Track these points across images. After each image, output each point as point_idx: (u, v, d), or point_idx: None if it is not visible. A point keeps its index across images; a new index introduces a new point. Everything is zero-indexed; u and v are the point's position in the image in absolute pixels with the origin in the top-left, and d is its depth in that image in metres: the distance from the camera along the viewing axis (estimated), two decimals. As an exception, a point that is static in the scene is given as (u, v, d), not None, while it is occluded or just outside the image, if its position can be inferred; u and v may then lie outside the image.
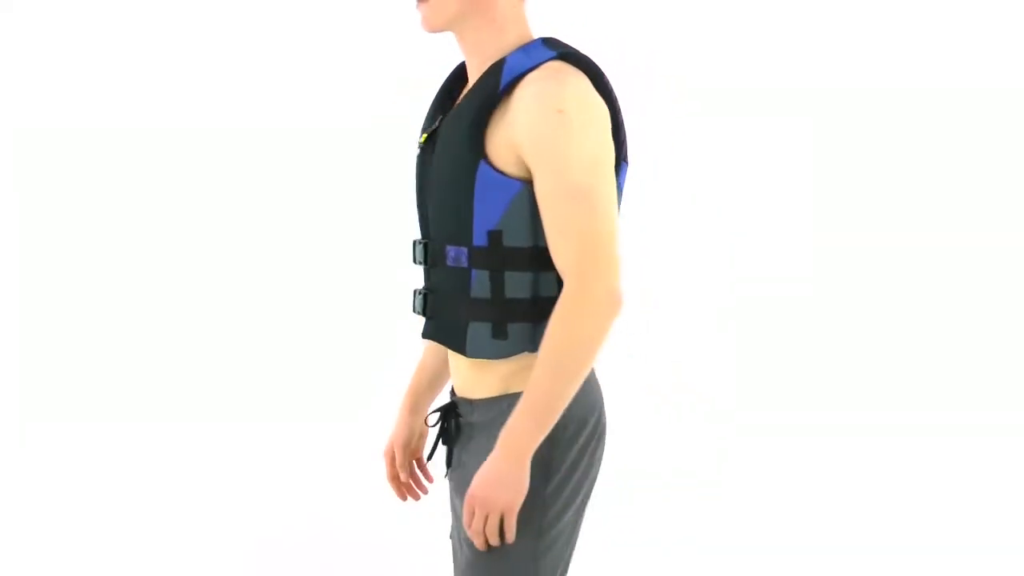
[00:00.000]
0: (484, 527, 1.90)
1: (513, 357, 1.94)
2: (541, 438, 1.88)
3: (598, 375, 2.08)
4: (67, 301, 4.54)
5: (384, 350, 4.18)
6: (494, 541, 1.91)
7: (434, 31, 1.98)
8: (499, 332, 1.93)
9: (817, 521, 4.04)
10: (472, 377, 2.01)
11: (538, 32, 2.02)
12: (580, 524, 2.04)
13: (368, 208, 4.36)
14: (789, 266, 4.58)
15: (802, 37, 4.54)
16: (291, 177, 4.56)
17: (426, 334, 2.02)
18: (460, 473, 2.05)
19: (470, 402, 2.03)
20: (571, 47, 1.96)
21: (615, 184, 1.92)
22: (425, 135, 2.05)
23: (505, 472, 1.87)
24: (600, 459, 2.04)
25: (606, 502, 3.35)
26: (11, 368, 4.51)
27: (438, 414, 2.11)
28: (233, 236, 4.54)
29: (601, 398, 2.04)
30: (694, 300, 4.60)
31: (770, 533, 3.99)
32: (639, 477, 4.23)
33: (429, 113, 2.10)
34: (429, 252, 2.00)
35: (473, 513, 1.91)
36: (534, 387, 1.86)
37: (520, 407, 1.88)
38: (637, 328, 4.52)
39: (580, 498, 2.00)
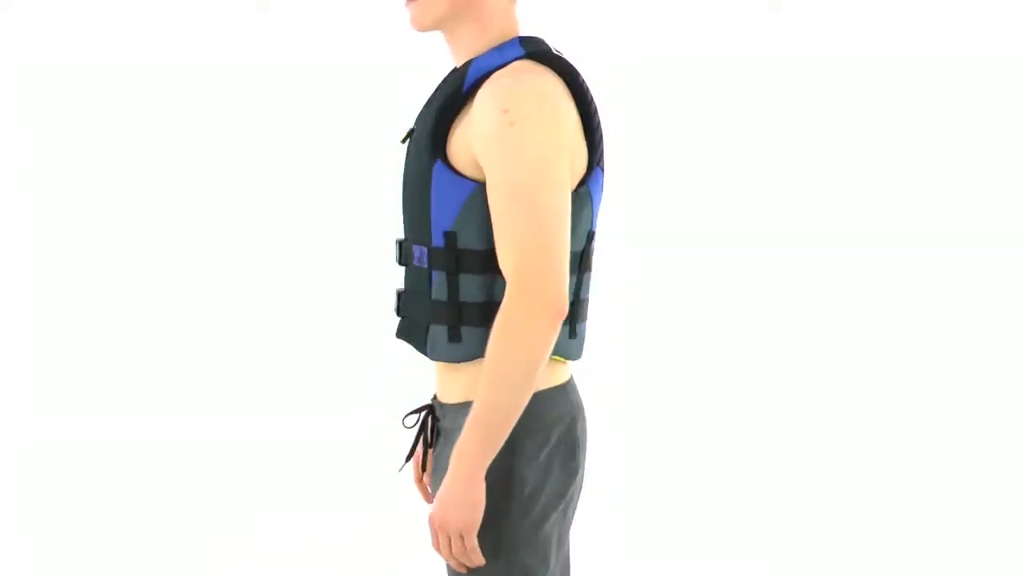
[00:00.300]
0: (451, 549, 1.85)
1: (474, 362, 1.88)
2: (491, 454, 1.81)
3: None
4: (67, 302, 4.55)
5: (384, 350, 4.18)
6: (465, 561, 1.86)
7: (423, 30, 1.94)
8: (454, 335, 1.88)
9: (816, 521, 4.04)
10: (443, 380, 1.97)
11: (532, 31, 1.97)
12: (564, 537, 1.97)
13: (370, 208, 4.35)
14: (788, 266, 4.57)
15: (801, 38, 4.55)
16: (293, 178, 4.56)
17: (398, 333, 1.98)
18: (436, 479, 1.99)
19: (443, 406, 1.98)
20: (545, 45, 1.91)
21: (566, 188, 1.82)
22: (406, 134, 1.99)
23: (458, 492, 1.81)
24: (578, 470, 1.95)
25: (605, 504, 3.36)
26: (11, 368, 4.51)
27: (416, 416, 2.06)
28: (235, 237, 4.54)
29: (575, 407, 1.96)
30: (694, 300, 4.60)
31: (770, 533, 3.98)
32: (639, 477, 4.22)
33: (419, 113, 2.05)
34: (403, 251, 1.96)
35: (437, 536, 1.85)
36: (478, 400, 1.80)
37: (468, 422, 1.81)
38: (637, 328, 4.52)
39: (558, 511, 1.93)
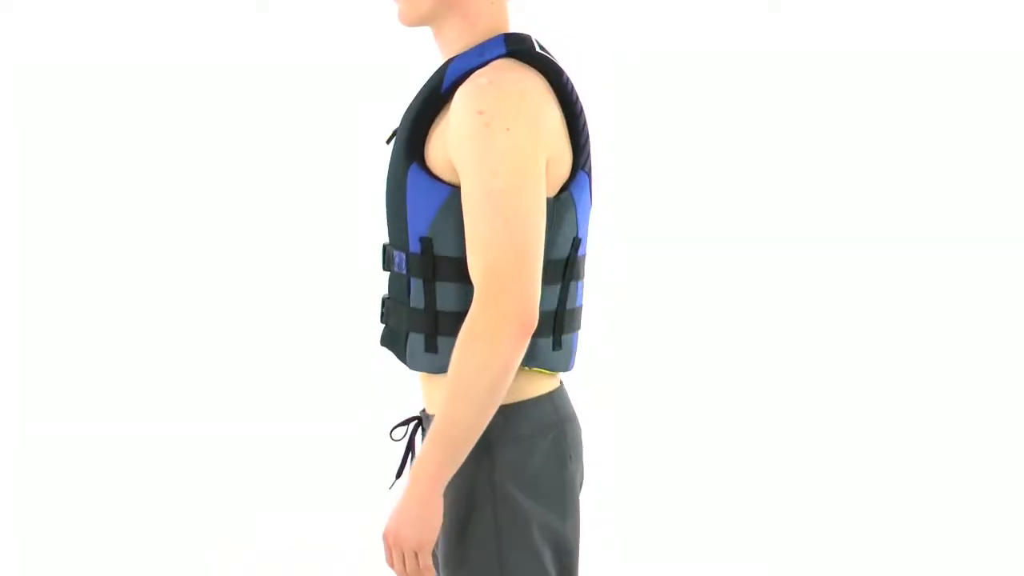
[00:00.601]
0: (405, 567, 1.78)
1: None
2: (451, 471, 1.74)
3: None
4: (67, 302, 4.54)
5: (384, 350, 4.17)
6: None
7: (411, 25, 1.87)
8: (430, 345, 1.81)
9: (817, 521, 4.04)
10: (426, 390, 1.91)
11: (525, 28, 1.90)
12: (568, 554, 1.87)
13: (373, 208, 4.34)
14: (789, 268, 4.57)
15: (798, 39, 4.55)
16: (297, 177, 4.56)
17: (381, 341, 1.92)
18: None
19: (428, 417, 1.91)
20: (530, 43, 1.83)
21: (541, 194, 1.73)
22: (391, 134, 1.92)
23: (412, 508, 1.75)
24: (571, 483, 1.88)
25: (604, 505, 3.36)
26: (11, 368, 4.51)
27: (403, 428, 1.98)
28: (235, 236, 4.55)
29: (563, 418, 1.88)
30: (694, 300, 4.59)
31: (770, 533, 3.98)
32: (639, 478, 4.22)
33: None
34: (385, 256, 1.90)
35: (391, 552, 1.79)
36: (439, 414, 1.73)
37: (427, 436, 1.74)
38: (637, 328, 4.52)
39: (552, 528, 1.85)
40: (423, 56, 1.94)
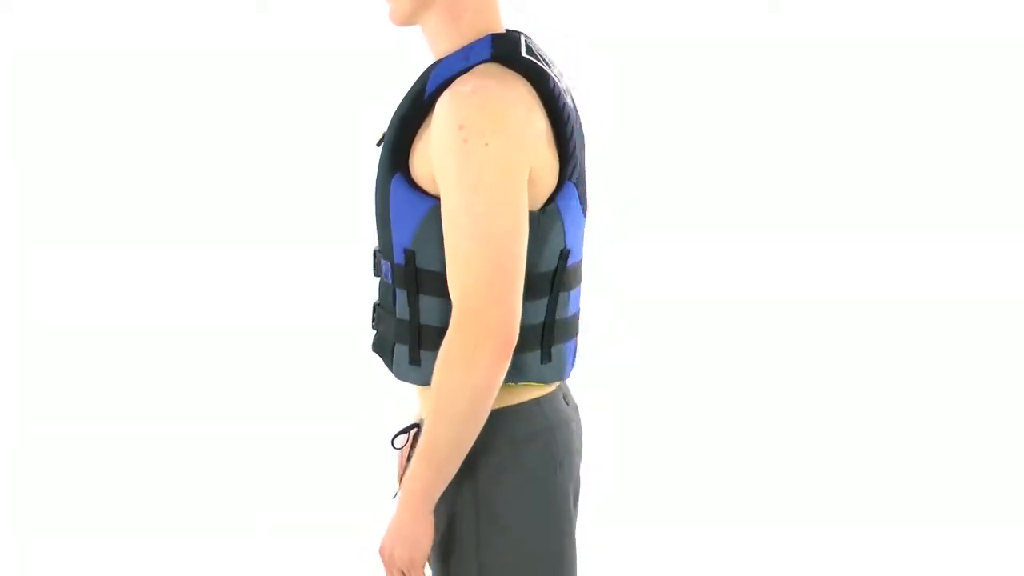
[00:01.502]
0: None
1: None
2: (439, 488, 1.73)
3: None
4: (67, 301, 4.54)
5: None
6: None
7: (400, 24, 1.81)
8: (414, 358, 1.79)
9: (817, 523, 4.03)
10: (420, 399, 1.89)
11: (521, 24, 1.85)
12: (563, 557, 1.84)
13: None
14: (787, 268, 4.57)
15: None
16: (299, 174, 4.56)
17: (372, 347, 1.89)
18: None
19: (422, 423, 1.88)
20: (516, 45, 1.76)
21: (521, 211, 1.68)
22: (380, 137, 1.86)
23: (403, 526, 1.74)
24: (562, 488, 1.84)
25: (603, 510, 3.36)
26: (11, 368, 4.51)
27: (404, 436, 1.96)
28: (237, 234, 4.54)
29: (554, 422, 1.84)
30: (692, 302, 4.59)
31: (769, 537, 3.98)
32: (636, 485, 4.22)
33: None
34: (375, 263, 1.87)
35: (386, 568, 1.79)
36: (424, 432, 1.72)
37: (415, 454, 1.74)
38: (633, 330, 4.52)
39: (545, 535, 1.81)
40: (423, 47, 1.91)
